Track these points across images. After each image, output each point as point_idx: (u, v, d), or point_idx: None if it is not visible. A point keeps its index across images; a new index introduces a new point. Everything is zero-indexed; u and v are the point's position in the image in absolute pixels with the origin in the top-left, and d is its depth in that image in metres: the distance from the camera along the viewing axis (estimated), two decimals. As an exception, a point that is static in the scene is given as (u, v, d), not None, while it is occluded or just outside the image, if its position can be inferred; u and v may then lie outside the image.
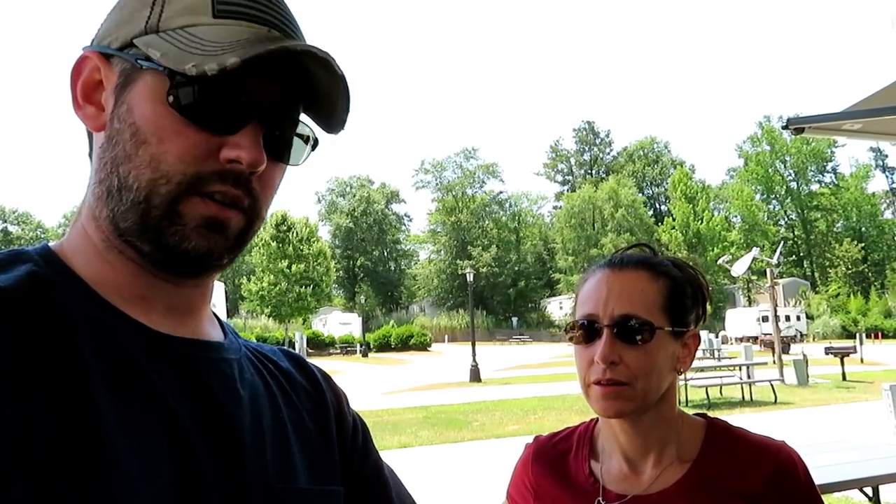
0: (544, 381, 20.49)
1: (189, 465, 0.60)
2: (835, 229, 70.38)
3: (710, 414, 1.23)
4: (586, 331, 1.13)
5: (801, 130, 3.91)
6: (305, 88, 0.68)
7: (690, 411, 1.23)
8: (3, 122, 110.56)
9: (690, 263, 1.24)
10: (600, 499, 1.14)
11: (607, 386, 1.09)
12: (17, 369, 0.53)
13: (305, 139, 0.72)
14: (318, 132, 0.73)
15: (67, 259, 0.66)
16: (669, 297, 1.13)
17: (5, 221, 70.94)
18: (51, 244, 0.69)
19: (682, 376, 1.16)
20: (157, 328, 0.66)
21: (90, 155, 0.70)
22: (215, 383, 0.67)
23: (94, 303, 0.63)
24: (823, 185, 73.22)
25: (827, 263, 66.79)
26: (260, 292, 43.71)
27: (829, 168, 73.65)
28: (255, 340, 0.79)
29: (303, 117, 0.72)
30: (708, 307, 1.22)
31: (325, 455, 0.77)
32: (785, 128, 3.96)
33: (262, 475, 0.66)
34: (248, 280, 45.68)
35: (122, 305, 0.65)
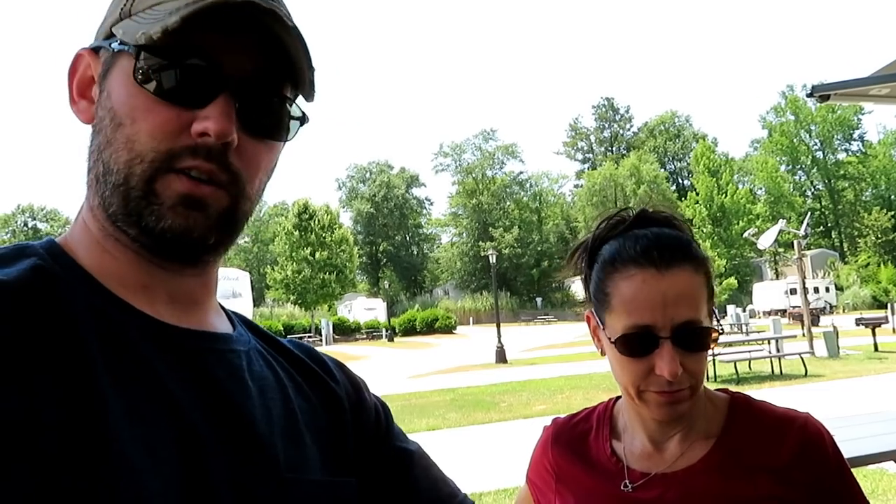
0: (570, 361, 20.46)
1: (196, 456, 0.59)
2: (863, 198, 68.96)
3: (740, 389, 1.21)
4: (641, 343, 1.04)
5: (827, 97, 3.83)
6: (287, 65, 0.66)
7: (719, 386, 1.21)
8: (31, 120, 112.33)
9: (678, 215, 1.15)
10: (626, 480, 1.12)
11: (672, 394, 1.05)
12: (21, 362, 0.53)
13: (292, 115, 0.71)
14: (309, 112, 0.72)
15: (72, 252, 0.66)
16: (708, 286, 1.08)
17: (34, 218, 72.24)
18: (56, 238, 0.69)
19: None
20: (163, 319, 0.65)
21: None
22: (223, 374, 0.67)
23: (99, 294, 0.63)
24: (851, 153, 71.61)
25: (856, 233, 65.54)
26: (284, 280, 44.13)
27: (856, 136, 71.97)
28: (280, 328, 0.82)
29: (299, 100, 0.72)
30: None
31: (337, 446, 0.75)
32: (810, 95, 3.88)
33: (273, 466, 0.66)
34: (273, 269, 46.08)
35: (125, 296, 0.64)
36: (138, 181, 0.62)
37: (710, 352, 1.13)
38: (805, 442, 1.07)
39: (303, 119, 0.72)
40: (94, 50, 0.69)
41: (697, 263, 1.07)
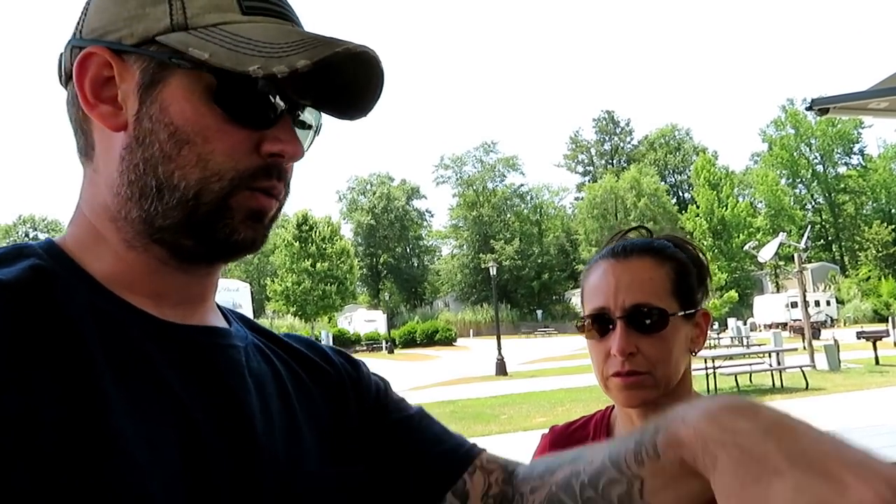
0: (570, 373, 20.40)
1: (198, 452, 0.60)
2: (864, 212, 69.02)
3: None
4: (599, 324, 1.12)
5: (827, 111, 3.85)
6: (356, 101, 0.70)
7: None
8: (32, 131, 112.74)
9: (687, 239, 1.23)
10: None
11: (628, 376, 1.08)
12: (20, 359, 0.53)
13: (309, 126, 0.73)
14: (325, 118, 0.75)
15: (72, 253, 0.66)
16: (677, 281, 1.13)
17: (35, 229, 72.62)
18: (54, 238, 0.68)
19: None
20: (165, 318, 0.66)
21: (83, 153, 0.69)
22: (223, 370, 0.67)
23: (99, 294, 0.63)
24: (851, 167, 71.77)
25: (856, 247, 65.58)
26: (285, 292, 44.14)
27: (856, 150, 72.15)
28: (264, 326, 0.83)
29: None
30: (709, 283, 1.21)
31: (340, 435, 0.76)
32: (809, 109, 3.90)
33: (274, 461, 0.66)
34: (273, 280, 46.09)
35: (129, 298, 0.64)
36: (214, 198, 0.64)
37: (693, 353, 1.15)
38: None
39: (318, 130, 0.75)
40: (116, 51, 0.65)
41: (662, 257, 1.14)
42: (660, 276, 1.12)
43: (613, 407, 1.25)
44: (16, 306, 0.56)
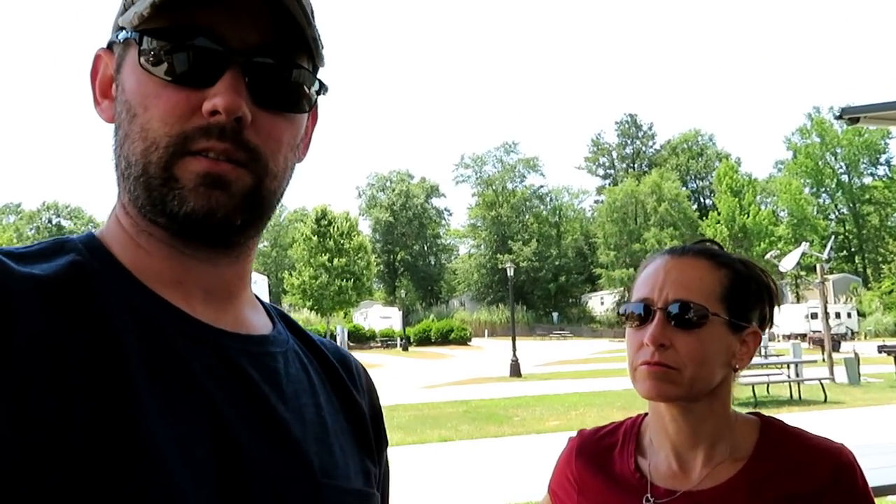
0: (585, 377, 20.34)
1: (231, 456, 0.59)
2: (888, 223, 67.95)
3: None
4: (639, 314, 1.12)
5: (856, 120, 3.80)
6: (294, 31, 0.64)
7: (735, 409, 1.20)
8: (57, 119, 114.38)
9: (759, 265, 1.21)
10: (648, 495, 1.11)
11: (654, 366, 1.07)
12: (55, 357, 0.53)
13: (309, 85, 0.68)
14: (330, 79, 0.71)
15: (109, 247, 0.66)
16: (729, 289, 1.11)
17: (59, 216, 73.66)
18: (95, 232, 0.68)
19: (737, 374, 1.13)
20: (199, 317, 0.65)
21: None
22: (258, 376, 0.66)
23: (136, 291, 0.62)
24: (877, 177, 70.67)
25: (880, 259, 64.65)
26: (301, 286, 44.27)
27: (882, 160, 71.03)
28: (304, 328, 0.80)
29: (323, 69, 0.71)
30: (770, 310, 1.18)
31: (359, 457, 0.75)
32: (839, 118, 3.85)
33: (308, 470, 0.65)
34: (291, 274, 46.34)
35: (162, 292, 0.64)
36: (156, 169, 0.61)
37: (735, 370, 1.13)
38: (837, 473, 1.05)
39: (321, 88, 0.70)
40: (110, 47, 0.68)
41: (718, 262, 1.13)
42: (711, 280, 1.11)
43: (645, 415, 1.23)
44: (52, 303, 0.56)
